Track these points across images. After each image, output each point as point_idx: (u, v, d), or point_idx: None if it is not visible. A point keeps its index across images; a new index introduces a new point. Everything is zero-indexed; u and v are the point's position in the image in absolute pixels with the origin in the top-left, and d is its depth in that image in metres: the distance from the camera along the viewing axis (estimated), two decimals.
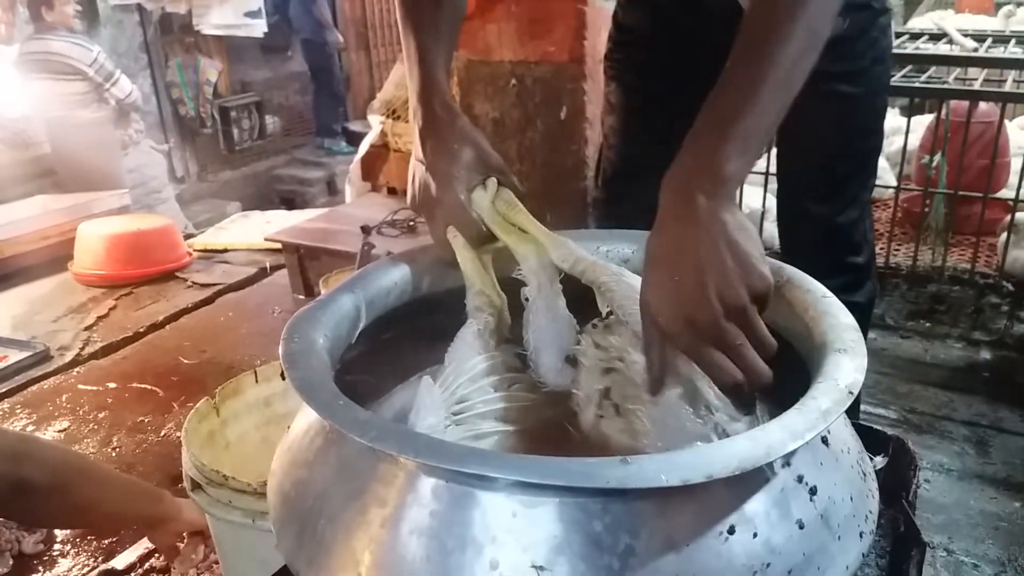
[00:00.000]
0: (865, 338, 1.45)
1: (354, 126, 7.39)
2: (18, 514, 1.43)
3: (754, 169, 3.15)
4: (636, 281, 0.86)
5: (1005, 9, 4.13)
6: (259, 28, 6.57)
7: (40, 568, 1.73)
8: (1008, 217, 2.76)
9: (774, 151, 3.30)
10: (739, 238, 0.75)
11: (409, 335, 0.98)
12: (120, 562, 1.72)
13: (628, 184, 1.57)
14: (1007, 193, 2.86)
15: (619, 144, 1.62)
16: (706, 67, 1.57)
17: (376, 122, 3.50)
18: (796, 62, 0.82)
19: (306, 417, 0.76)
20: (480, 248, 0.98)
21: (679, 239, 0.76)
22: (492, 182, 1.00)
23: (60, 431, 2.32)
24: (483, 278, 0.97)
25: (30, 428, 2.33)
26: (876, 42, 1.43)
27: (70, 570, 1.73)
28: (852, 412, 0.70)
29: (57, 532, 1.84)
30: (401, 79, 3.52)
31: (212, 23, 6.35)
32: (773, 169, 2.91)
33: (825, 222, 1.53)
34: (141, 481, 1.56)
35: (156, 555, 1.67)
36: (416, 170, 1.02)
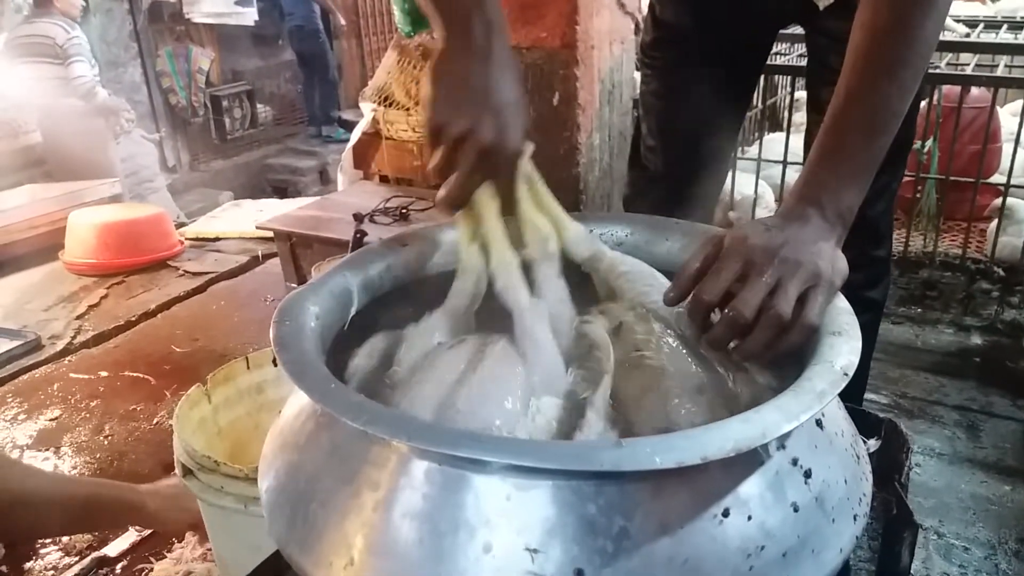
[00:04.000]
0: (876, 335, 1.43)
1: (347, 114, 7.36)
2: None
3: (745, 156, 3.13)
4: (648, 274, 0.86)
5: None
6: (250, 16, 6.55)
7: (32, 555, 1.73)
8: (998, 201, 2.77)
9: (768, 136, 3.31)
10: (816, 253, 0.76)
11: (403, 318, 0.96)
12: (113, 549, 1.72)
13: (672, 164, 1.59)
14: (999, 179, 2.86)
15: (662, 126, 1.61)
16: (747, 58, 1.57)
17: (368, 109, 3.48)
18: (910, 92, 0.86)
19: (297, 400, 0.76)
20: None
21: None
22: (530, 146, 0.88)
23: (52, 420, 2.31)
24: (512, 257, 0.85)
25: (21, 417, 2.33)
26: None
27: (62, 557, 1.73)
28: (855, 398, 0.70)
29: None
30: (393, 65, 3.49)
31: (202, 11, 6.33)
32: (765, 155, 2.92)
33: None
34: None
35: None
36: (452, 91, 0.83)
